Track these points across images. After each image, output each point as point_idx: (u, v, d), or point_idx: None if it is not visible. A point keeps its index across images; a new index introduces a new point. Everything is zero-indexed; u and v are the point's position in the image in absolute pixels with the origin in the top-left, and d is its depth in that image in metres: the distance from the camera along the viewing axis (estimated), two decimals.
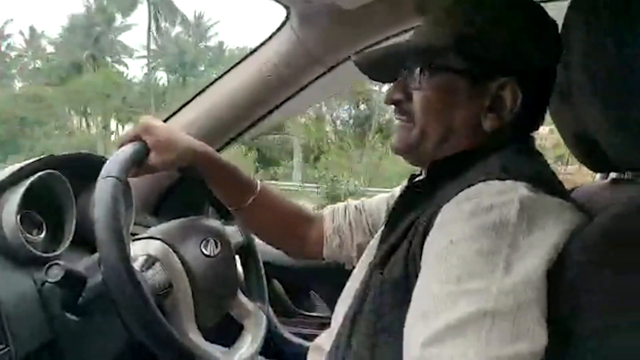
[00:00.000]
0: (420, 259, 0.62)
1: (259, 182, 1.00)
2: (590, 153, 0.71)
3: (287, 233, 1.04)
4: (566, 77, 0.70)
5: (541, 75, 0.72)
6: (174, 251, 0.91)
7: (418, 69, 0.73)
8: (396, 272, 0.65)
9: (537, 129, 0.76)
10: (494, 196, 0.60)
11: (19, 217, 0.87)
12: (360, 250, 0.94)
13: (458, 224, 0.59)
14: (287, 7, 1.09)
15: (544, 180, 0.65)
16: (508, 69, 0.70)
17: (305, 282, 1.47)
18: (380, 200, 1.02)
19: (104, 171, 0.81)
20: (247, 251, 1.12)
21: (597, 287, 0.55)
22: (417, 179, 0.82)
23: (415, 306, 0.59)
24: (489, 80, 0.71)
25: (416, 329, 0.57)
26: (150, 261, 0.89)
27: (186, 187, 1.34)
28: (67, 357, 0.87)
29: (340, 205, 1.05)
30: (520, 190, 0.60)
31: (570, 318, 0.56)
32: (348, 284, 0.83)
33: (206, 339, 0.92)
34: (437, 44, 0.72)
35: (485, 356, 0.51)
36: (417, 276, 0.61)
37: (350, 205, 1.04)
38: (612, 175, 0.77)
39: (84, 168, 0.99)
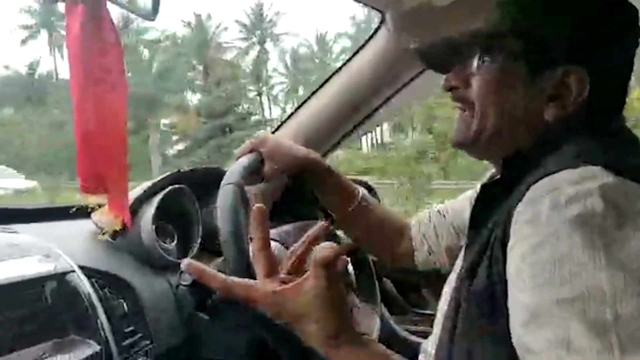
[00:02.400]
0: (504, 268, 0.57)
1: (360, 191, 1.03)
2: None
3: (381, 242, 1.06)
4: None
5: (614, 62, 0.67)
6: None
7: (477, 54, 0.70)
8: (481, 285, 0.61)
9: (621, 108, 0.70)
10: (571, 187, 0.54)
11: (154, 228, 0.97)
12: (451, 253, 0.94)
13: (537, 224, 0.54)
14: (381, 12, 1.11)
15: (627, 167, 0.57)
16: (574, 56, 0.65)
17: (416, 279, 1.47)
18: (464, 199, 0.99)
19: (224, 180, 0.88)
20: (356, 252, 1.15)
21: None
22: (494, 178, 0.78)
23: (518, 320, 0.54)
24: (552, 67, 0.66)
25: (531, 346, 0.52)
26: None
27: (297, 194, 1.40)
28: (201, 352, 0.96)
29: (424, 212, 1.05)
30: (599, 176, 0.54)
31: None
32: (444, 290, 0.82)
33: None
34: (496, 28, 0.69)
35: None
36: (503, 285, 0.57)
37: (434, 210, 1.04)
38: None
39: (206, 180, 1.09)
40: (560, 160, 0.60)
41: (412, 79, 1.22)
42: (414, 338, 1.33)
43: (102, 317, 0.80)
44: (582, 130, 0.65)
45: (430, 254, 1.01)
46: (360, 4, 1.07)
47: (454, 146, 0.77)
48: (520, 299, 0.54)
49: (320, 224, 0.82)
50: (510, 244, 0.57)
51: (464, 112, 0.74)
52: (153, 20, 0.67)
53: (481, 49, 0.71)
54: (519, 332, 0.54)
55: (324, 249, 0.57)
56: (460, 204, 1.00)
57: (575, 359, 0.47)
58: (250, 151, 0.97)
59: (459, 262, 0.80)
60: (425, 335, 0.91)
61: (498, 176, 0.76)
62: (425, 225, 1.03)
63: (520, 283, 0.54)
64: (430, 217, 1.03)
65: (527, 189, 0.57)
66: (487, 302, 0.60)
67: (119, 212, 0.74)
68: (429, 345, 0.81)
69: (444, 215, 1.01)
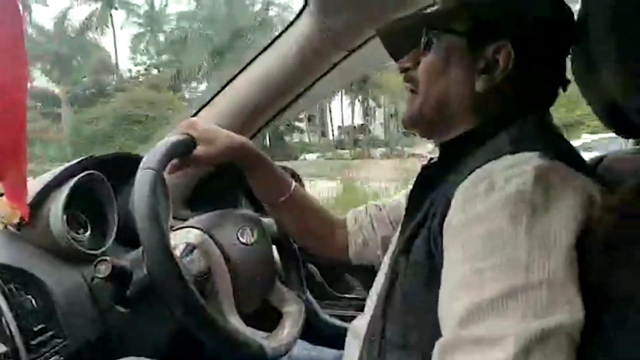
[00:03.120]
0: (442, 240, 0.62)
1: (293, 181, 1.03)
2: (617, 119, 0.71)
3: (313, 235, 1.06)
4: (588, 43, 0.70)
5: (542, 44, 0.72)
6: (212, 239, 0.94)
7: (425, 34, 0.76)
8: (419, 256, 0.66)
9: (550, 104, 0.76)
10: (507, 170, 0.60)
11: (65, 217, 0.91)
12: (385, 244, 0.95)
13: (474, 202, 0.59)
14: None
15: (559, 151, 0.64)
16: (505, 32, 0.71)
17: (340, 265, 1.49)
18: (400, 196, 1.03)
19: (142, 164, 0.84)
20: (282, 239, 1.15)
21: (622, 259, 0.55)
22: (430, 162, 0.82)
23: (446, 287, 0.59)
24: (487, 44, 0.72)
25: (450, 310, 0.57)
26: (189, 248, 0.92)
27: (219, 180, 1.37)
28: (120, 347, 0.92)
29: (361, 207, 1.07)
30: (533, 161, 0.59)
31: (598, 289, 0.55)
32: (378, 275, 0.84)
33: (247, 325, 0.95)
34: (441, 9, 0.76)
35: (524, 330, 0.51)
36: (440, 258, 0.62)
37: (370, 204, 1.06)
38: None
39: (122, 167, 1.03)
40: (496, 148, 0.65)
41: (337, 63, 1.22)
42: (339, 322, 1.34)
43: (8, 315, 0.74)
44: (513, 117, 0.71)
45: (365, 245, 1.03)
46: None
47: (405, 126, 0.82)
48: (450, 270, 0.59)
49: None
50: (446, 220, 0.62)
51: (413, 92, 0.79)
52: None
53: (428, 30, 0.76)
54: (443, 299, 0.59)
55: None
56: (396, 200, 1.03)
57: (478, 325, 0.53)
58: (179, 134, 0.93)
59: (393, 243, 0.83)
60: (349, 319, 0.92)
61: (434, 160, 0.80)
62: (362, 218, 1.04)
63: (453, 255, 0.60)
64: (367, 210, 1.05)
65: (469, 173, 0.62)
66: (425, 271, 0.65)
67: (17, 202, 0.68)
68: (360, 325, 0.82)
69: (381, 209, 1.04)
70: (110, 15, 27.67)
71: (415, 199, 0.76)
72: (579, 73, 0.74)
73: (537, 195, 0.57)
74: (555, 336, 0.51)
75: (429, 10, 0.81)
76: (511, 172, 0.59)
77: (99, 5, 27.04)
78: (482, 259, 0.56)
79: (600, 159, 0.80)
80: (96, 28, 27.25)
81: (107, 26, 27.68)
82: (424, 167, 0.80)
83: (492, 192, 0.59)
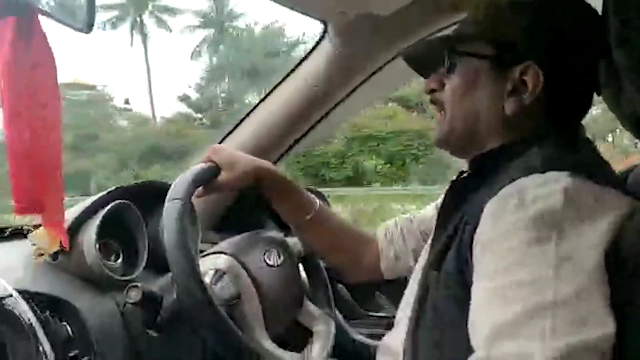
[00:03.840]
0: (471, 254, 0.63)
1: (318, 201, 1.04)
2: None
3: (343, 253, 1.07)
4: (609, 61, 0.69)
5: (570, 60, 0.71)
6: (240, 263, 0.96)
7: (448, 56, 0.76)
8: (450, 269, 0.66)
9: (581, 118, 0.76)
10: (537, 189, 0.60)
11: (97, 245, 0.94)
12: (417, 257, 0.95)
13: (503, 218, 0.59)
14: (323, 22, 1.12)
15: (590, 169, 0.63)
16: (531, 54, 0.71)
17: (369, 284, 1.48)
18: (431, 207, 1.03)
19: (169, 195, 0.87)
20: (309, 259, 1.15)
21: None
22: (461, 176, 0.82)
23: (474, 303, 0.59)
24: (512, 65, 0.72)
25: (478, 326, 0.57)
26: (219, 274, 0.94)
27: (246, 204, 1.39)
28: None
29: (391, 220, 1.07)
30: (563, 180, 0.59)
31: (628, 305, 0.55)
32: (408, 288, 0.84)
33: (278, 346, 0.96)
34: (464, 32, 0.76)
35: (551, 348, 0.50)
36: (470, 272, 0.62)
37: (401, 217, 1.06)
38: None
39: (151, 195, 1.06)
40: (527, 164, 0.65)
41: (358, 86, 1.24)
42: (369, 341, 1.33)
43: (44, 342, 0.76)
44: (544, 133, 0.71)
45: (396, 259, 1.02)
46: (303, 14, 1.07)
47: (435, 145, 0.83)
48: (478, 285, 0.60)
49: None
50: (476, 234, 0.62)
51: (440, 113, 0.79)
52: (89, 33, 0.65)
53: (450, 53, 0.76)
54: (473, 315, 0.59)
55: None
56: (426, 211, 1.03)
57: (506, 343, 0.53)
58: (204, 162, 0.96)
59: (423, 256, 0.83)
60: (379, 338, 0.92)
61: (465, 174, 0.80)
62: (392, 231, 1.04)
63: (481, 270, 0.60)
64: (397, 223, 1.05)
65: (500, 188, 0.63)
66: (456, 285, 0.65)
67: (55, 231, 0.71)
68: (390, 341, 0.82)
69: (411, 221, 1.04)
70: None
71: (446, 212, 0.76)
72: (604, 85, 0.73)
73: (566, 216, 0.57)
74: (582, 353, 0.51)
75: (449, 33, 0.82)
76: (541, 190, 0.59)
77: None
78: (509, 275, 0.56)
79: (628, 171, 0.78)
80: None
81: None
82: (454, 181, 0.80)
83: (522, 208, 0.59)
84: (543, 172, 0.62)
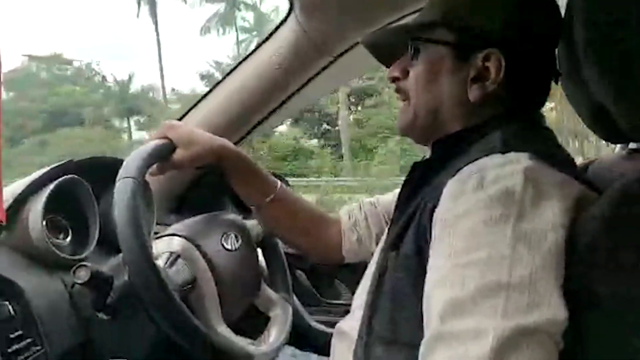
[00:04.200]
0: (430, 234, 0.63)
1: (279, 182, 1.02)
2: (603, 124, 0.71)
3: (305, 234, 1.05)
4: (572, 49, 0.69)
5: (531, 46, 0.72)
6: (196, 247, 0.93)
7: (412, 44, 0.76)
8: (409, 250, 0.66)
9: (541, 104, 0.77)
10: (497, 168, 0.60)
11: (44, 222, 0.89)
12: (379, 240, 0.95)
13: (463, 197, 0.60)
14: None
15: (549, 154, 0.64)
16: (493, 40, 0.71)
17: (328, 271, 1.48)
18: (393, 193, 1.02)
19: (121, 172, 0.83)
20: (268, 244, 1.13)
21: (606, 261, 0.55)
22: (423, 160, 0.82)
23: (430, 281, 0.60)
24: (475, 52, 0.72)
25: (432, 304, 0.57)
26: (173, 257, 0.91)
27: (205, 185, 1.36)
28: (101, 355, 0.90)
29: (354, 204, 1.07)
30: (523, 161, 0.60)
31: (583, 290, 0.55)
32: (367, 270, 0.84)
33: (234, 332, 0.93)
34: (427, 19, 0.76)
35: (503, 328, 0.51)
36: (428, 252, 0.62)
37: (364, 201, 1.05)
38: (632, 145, 0.77)
39: (103, 171, 1.01)
40: (488, 146, 0.66)
41: (323, 69, 1.21)
42: (325, 328, 1.33)
43: None
44: (505, 118, 0.72)
45: (359, 243, 1.02)
46: None
47: (399, 133, 0.83)
48: (434, 263, 0.60)
49: None
50: (435, 214, 0.63)
51: (404, 101, 0.79)
52: None
53: (413, 40, 0.76)
54: (427, 293, 0.59)
55: None
56: (389, 196, 1.03)
57: (460, 320, 0.53)
58: (159, 138, 0.92)
59: (383, 239, 0.84)
60: (334, 325, 0.91)
61: (426, 158, 0.81)
62: (356, 215, 1.03)
63: (439, 248, 0.60)
64: (361, 207, 1.04)
65: (458, 170, 0.63)
66: (414, 265, 0.65)
67: None
68: (345, 326, 0.81)
69: (375, 206, 1.03)
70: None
71: (406, 195, 0.76)
72: (564, 76, 0.74)
73: (525, 196, 0.57)
74: (534, 335, 0.51)
75: (412, 21, 0.81)
76: (501, 170, 0.60)
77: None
78: (466, 253, 0.56)
79: (588, 163, 0.80)
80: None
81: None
82: (415, 164, 0.80)
83: (481, 188, 0.59)
84: (504, 152, 0.63)
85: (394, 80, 0.81)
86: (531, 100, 0.76)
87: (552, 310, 0.53)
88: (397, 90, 0.81)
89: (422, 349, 0.56)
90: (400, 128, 0.81)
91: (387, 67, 0.84)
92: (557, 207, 0.57)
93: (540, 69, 0.75)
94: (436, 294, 0.57)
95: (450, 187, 0.62)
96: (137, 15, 28.64)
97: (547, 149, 0.67)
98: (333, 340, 0.86)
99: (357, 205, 1.05)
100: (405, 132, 0.81)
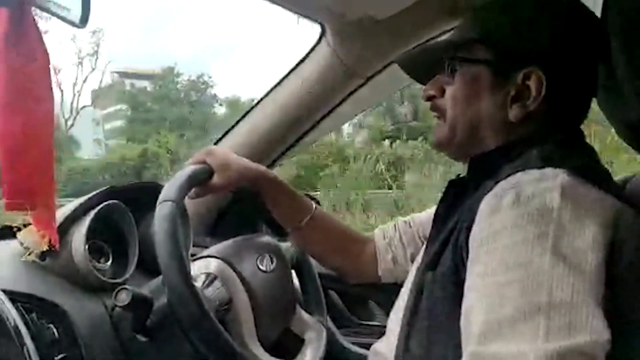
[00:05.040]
0: (467, 253, 0.62)
1: (314, 203, 1.03)
2: None
3: (341, 255, 1.05)
4: (610, 64, 0.69)
5: (572, 63, 0.71)
6: (232, 268, 0.94)
7: (448, 63, 0.75)
8: (446, 269, 0.66)
9: (580, 121, 0.75)
10: (534, 184, 0.59)
11: (87, 247, 0.92)
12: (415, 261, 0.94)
13: (498, 215, 0.59)
14: (321, 24, 1.11)
15: (587, 170, 0.63)
16: (533, 59, 0.70)
17: (362, 292, 1.47)
18: (429, 212, 1.01)
19: (161, 196, 0.85)
20: (302, 265, 1.14)
21: None
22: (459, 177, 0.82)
23: (467, 300, 0.59)
24: (514, 71, 0.71)
25: (470, 324, 0.56)
26: (210, 279, 0.92)
27: (239, 207, 1.38)
28: None
29: (389, 223, 1.06)
30: (560, 177, 0.59)
31: (628, 311, 0.55)
32: (402, 290, 0.84)
33: (269, 354, 0.94)
34: (464, 37, 0.75)
35: (545, 349, 0.50)
36: (465, 271, 0.61)
37: (399, 221, 1.05)
38: None
39: (143, 196, 1.04)
40: (526, 162, 0.64)
41: (354, 90, 1.23)
42: (360, 350, 1.32)
43: (29, 344, 0.74)
44: (544, 135, 0.70)
45: (394, 263, 1.01)
46: (300, 16, 1.07)
47: (434, 148, 0.83)
48: (472, 283, 0.59)
49: None
50: (472, 232, 0.62)
51: (439, 118, 0.79)
52: (83, 27, 0.64)
53: (450, 59, 0.75)
54: (465, 313, 0.58)
55: None
56: (425, 215, 1.02)
57: (499, 342, 0.53)
58: (197, 163, 0.95)
59: (419, 258, 0.83)
60: (369, 346, 0.91)
61: (463, 176, 0.80)
62: (390, 235, 1.03)
63: (477, 267, 0.59)
64: (396, 227, 1.04)
65: (493, 186, 0.62)
66: (451, 285, 0.64)
67: (45, 230, 0.69)
68: (381, 347, 0.81)
69: (410, 225, 1.03)
70: None
71: (443, 213, 0.76)
72: (601, 90, 0.73)
73: (564, 213, 0.56)
74: (575, 356, 0.50)
75: (448, 38, 0.81)
76: (537, 186, 0.59)
77: None
78: (504, 272, 0.56)
79: (627, 179, 0.78)
80: None
81: None
82: (451, 182, 0.80)
83: (518, 204, 0.58)
84: (540, 168, 0.61)
85: (430, 98, 0.80)
86: (572, 117, 0.74)
87: (594, 332, 0.51)
88: (433, 109, 0.80)
89: None
90: (436, 144, 0.81)
91: (422, 84, 0.83)
92: (597, 225, 0.56)
93: (581, 85, 0.73)
94: (474, 313, 0.56)
95: (486, 204, 0.61)
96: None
97: (585, 165, 0.66)
98: None
99: (392, 225, 1.05)
100: (441, 147, 0.80)
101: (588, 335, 0.51)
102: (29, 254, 0.87)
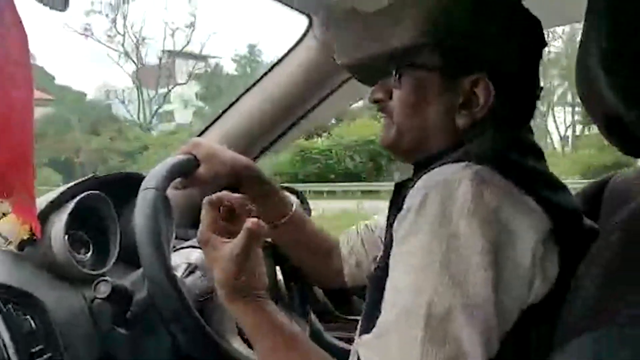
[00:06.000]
0: None
1: (294, 204, 1.03)
2: (622, 137, 0.69)
3: (311, 258, 1.05)
4: (589, 56, 0.69)
5: (518, 71, 0.72)
6: None
7: (394, 68, 0.74)
8: (380, 271, 0.67)
9: (527, 122, 0.75)
10: (439, 184, 0.59)
11: (66, 237, 0.90)
12: None
13: (406, 219, 0.60)
14: (308, 16, 1.11)
15: (507, 165, 0.62)
16: (480, 65, 0.70)
17: (346, 287, 1.47)
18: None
19: (144, 183, 0.84)
20: (285, 260, 1.13)
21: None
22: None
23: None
24: (461, 77, 0.71)
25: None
26: (191, 268, 0.92)
27: None
28: None
29: (352, 228, 1.06)
30: (464, 175, 0.59)
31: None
32: None
33: (248, 346, 0.93)
34: (412, 42, 0.73)
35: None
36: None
37: (361, 225, 1.05)
38: None
39: (125, 186, 1.03)
40: (451, 159, 0.64)
41: (341, 84, 1.23)
42: (343, 344, 1.32)
43: (5, 335, 0.73)
44: (486, 136, 0.70)
45: (358, 266, 1.01)
46: (288, 7, 1.06)
47: (383, 146, 0.81)
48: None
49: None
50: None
51: (387, 119, 0.78)
52: (63, 11, 0.62)
53: (398, 64, 0.74)
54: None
55: (254, 223, 0.70)
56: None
57: (383, 342, 0.57)
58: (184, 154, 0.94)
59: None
60: (351, 341, 0.91)
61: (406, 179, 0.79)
62: (353, 239, 1.03)
63: (390, 269, 0.62)
64: (358, 231, 1.04)
65: (415, 184, 0.63)
66: (380, 287, 0.64)
67: (26, 218, 0.67)
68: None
69: (372, 230, 1.03)
70: None
71: (390, 214, 0.76)
72: (581, 86, 0.73)
73: (461, 222, 0.56)
74: None
75: (395, 43, 0.79)
76: (442, 187, 0.59)
77: None
78: (403, 274, 0.59)
79: (608, 179, 0.78)
80: None
81: None
82: (396, 185, 0.79)
83: (422, 207, 0.59)
84: (455, 162, 0.62)
85: (377, 101, 0.79)
86: (518, 120, 0.74)
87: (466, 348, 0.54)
88: (381, 110, 0.79)
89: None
90: (384, 144, 0.80)
91: (369, 86, 0.82)
92: (498, 233, 0.57)
93: (527, 88, 0.74)
94: (382, 313, 0.60)
95: (405, 205, 0.62)
96: None
97: (508, 158, 0.65)
98: (351, 357, 0.85)
99: (355, 229, 1.05)
100: (388, 148, 0.80)
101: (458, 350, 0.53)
102: (8, 243, 0.85)
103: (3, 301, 0.78)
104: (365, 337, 0.60)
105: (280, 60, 1.23)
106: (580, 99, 0.73)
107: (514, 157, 0.67)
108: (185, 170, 0.92)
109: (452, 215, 0.57)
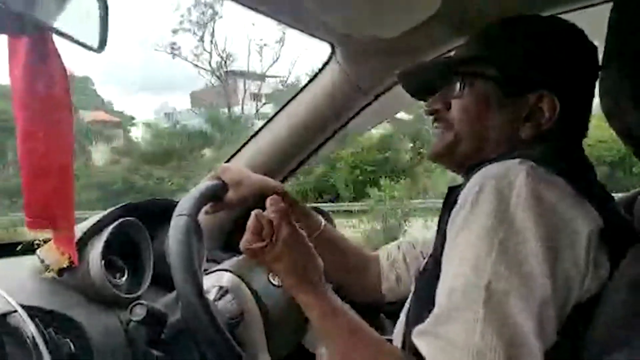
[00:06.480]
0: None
1: (324, 220, 1.05)
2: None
3: (345, 272, 1.06)
4: (612, 79, 0.70)
5: (578, 88, 0.74)
6: (244, 281, 0.96)
7: (459, 78, 0.77)
8: (431, 273, 0.69)
9: (583, 137, 0.77)
10: (495, 176, 0.61)
11: (103, 262, 0.94)
12: None
13: (460, 213, 0.62)
14: (331, 44, 1.14)
15: (563, 167, 0.65)
16: (546, 83, 0.72)
17: (373, 307, 1.47)
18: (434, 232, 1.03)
19: (177, 210, 0.87)
20: None
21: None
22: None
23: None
24: (526, 92, 0.73)
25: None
26: (222, 292, 0.94)
27: None
28: None
29: (392, 244, 1.08)
30: (521, 169, 0.61)
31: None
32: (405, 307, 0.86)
33: None
34: (475, 54, 0.77)
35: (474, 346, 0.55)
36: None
37: (403, 241, 1.07)
38: None
39: (159, 212, 1.07)
40: (507, 158, 0.66)
41: (364, 107, 1.25)
42: None
43: (47, 358, 0.76)
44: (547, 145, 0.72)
45: (398, 282, 1.03)
46: (311, 37, 1.09)
47: (430, 158, 0.85)
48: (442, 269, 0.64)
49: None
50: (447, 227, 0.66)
51: (443, 129, 0.80)
52: (100, 52, 0.66)
53: (462, 75, 0.77)
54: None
55: (271, 199, 0.76)
56: (430, 237, 1.02)
57: (445, 326, 0.58)
58: (213, 180, 0.97)
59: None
60: None
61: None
62: (394, 254, 1.05)
63: (444, 263, 0.64)
64: (399, 247, 1.06)
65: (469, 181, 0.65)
66: (434, 278, 0.66)
67: (65, 247, 0.71)
68: None
69: (414, 246, 1.04)
70: None
71: (440, 222, 0.77)
72: (607, 108, 0.73)
73: (517, 210, 0.58)
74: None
75: (454, 55, 0.82)
76: (497, 182, 0.61)
77: None
78: (459, 265, 0.61)
79: (638, 193, 0.78)
80: None
81: None
82: (449, 189, 0.81)
83: (475, 204, 0.61)
84: (511, 159, 0.64)
85: (433, 112, 0.82)
86: (578, 134, 0.77)
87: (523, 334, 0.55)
88: (438, 121, 0.81)
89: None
90: (435, 152, 0.82)
91: (422, 100, 0.85)
92: (555, 225, 0.59)
93: (586, 105, 0.76)
94: (438, 296, 0.63)
95: (455, 208, 0.65)
96: None
97: (565, 163, 0.67)
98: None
99: (396, 244, 1.07)
100: (441, 154, 0.82)
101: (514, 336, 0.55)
102: (49, 271, 0.89)
103: (44, 325, 0.81)
104: (421, 326, 0.61)
105: (305, 86, 1.27)
106: (602, 109, 0.75)
107: (569, 162, 0.69)
108: (215, 196, 0.95)
109: (509, 206, 0.58)
